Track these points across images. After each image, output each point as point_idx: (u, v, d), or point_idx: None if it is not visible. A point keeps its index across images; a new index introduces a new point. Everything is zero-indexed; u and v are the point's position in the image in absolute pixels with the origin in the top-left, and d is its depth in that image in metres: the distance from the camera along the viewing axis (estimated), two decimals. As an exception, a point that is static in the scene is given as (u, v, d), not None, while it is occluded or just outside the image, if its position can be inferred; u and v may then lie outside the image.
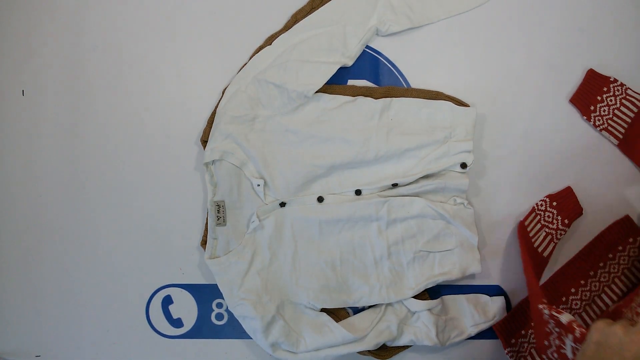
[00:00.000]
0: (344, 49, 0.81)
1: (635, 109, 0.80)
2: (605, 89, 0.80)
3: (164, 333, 0.87)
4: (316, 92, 0.80)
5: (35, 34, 0.86)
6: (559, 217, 0.80)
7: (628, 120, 0.80)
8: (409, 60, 0.84)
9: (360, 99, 0.81)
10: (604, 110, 0.80)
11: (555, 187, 0.83)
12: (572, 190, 0.82)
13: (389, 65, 0.84)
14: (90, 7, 0.85)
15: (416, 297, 0.81)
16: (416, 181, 0.80)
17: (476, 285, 0.84)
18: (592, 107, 0.81)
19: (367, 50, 0.83)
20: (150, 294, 0.87)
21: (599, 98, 0.81)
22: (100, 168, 0.86)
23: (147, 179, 0.85)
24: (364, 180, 0.81)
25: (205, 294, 0.86)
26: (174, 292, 0.87)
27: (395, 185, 0.80)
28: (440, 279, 0.81)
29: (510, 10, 0.83)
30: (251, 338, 0.81)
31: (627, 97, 0.80)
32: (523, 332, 0.81)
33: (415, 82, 0.84)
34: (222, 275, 0.80)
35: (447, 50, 0.83)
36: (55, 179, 0.86)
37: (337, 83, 0.82)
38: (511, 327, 0.81)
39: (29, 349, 0.88)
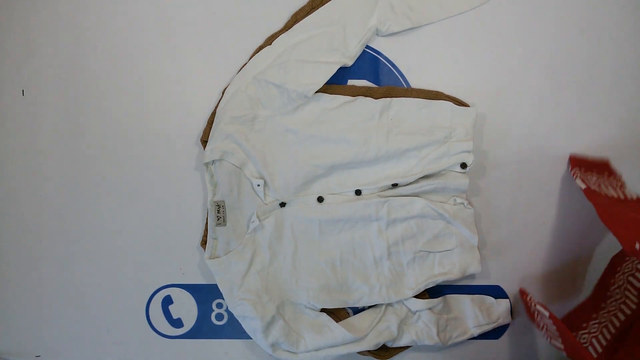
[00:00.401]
0: (344, 49, 0.80)
1: (618, 191, 0.78)
2: (606, 173, 0.79)
3: (164, 333, 0.87)
4: (316, 92, 0.80)
5: (35, 34, 0.86)
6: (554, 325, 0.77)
7: (609, 188, 0.78)
8: (409, 60, 0.83)
9: (360, 99, 0.81)
10: (591, 179, 0.79)
11: (556, 186, 0.83)
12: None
13: (389, 65, 0.84)
14: (90, 7, 0.85)
15: (416, 297, 0.81)
16: (416, 181, 0.80)
17: (476, 285, 0.84)
18: (582, 168, 0.80)
19: (367, 50, 0.83)
20: (150, 294, 0.87)
21: (593, 173, 0.80)
22: (100, 168, 0.86)
23: (147, 179, 0.85)
24: (364, 180, 0.81)
25: (205, 294, 0.86)
26: (174, 292, 0.87)
27: (395, 185, 0.80)
28: (440, 279, 0.81)
29: (510, 11, 0.83)
30: (251, 338, 0.81)
31: (621, 187, 0.78)
32: (585, 325, 0.80)
33: (415, 82, 0.83)
34: (222, 275, 0.80)
35: (447, 50, 0.83)
36: (55, 179, 0.86)
37: (337, 83, 0.82)
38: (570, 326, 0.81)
39: (29, 349, 0.88)
